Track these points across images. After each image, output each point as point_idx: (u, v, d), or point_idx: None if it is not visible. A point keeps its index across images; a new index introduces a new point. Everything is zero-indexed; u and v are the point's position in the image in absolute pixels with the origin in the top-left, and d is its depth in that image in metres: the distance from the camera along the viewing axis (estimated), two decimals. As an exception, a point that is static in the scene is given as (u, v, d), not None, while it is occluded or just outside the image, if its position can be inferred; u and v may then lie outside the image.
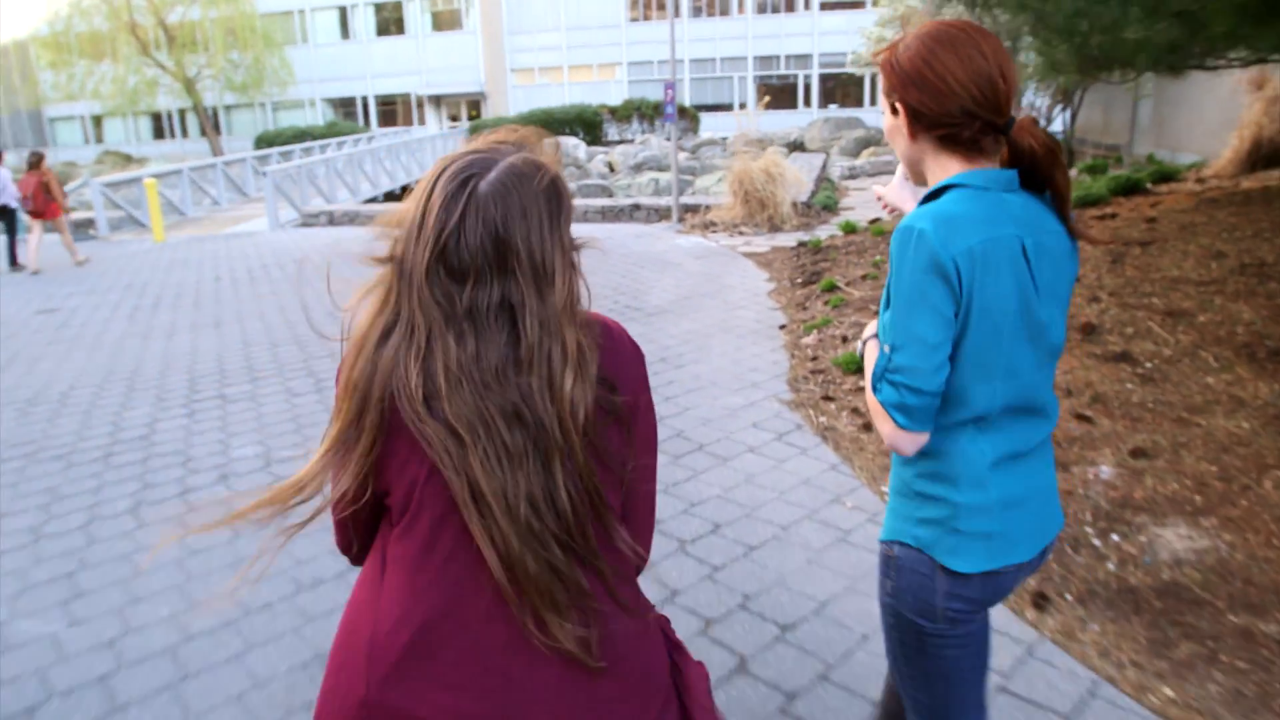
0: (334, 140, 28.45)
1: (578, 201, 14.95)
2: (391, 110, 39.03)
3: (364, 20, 38.34)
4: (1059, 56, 7.62)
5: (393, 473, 1.11)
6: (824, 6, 35.44)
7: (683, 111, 34.39)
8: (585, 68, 37.76)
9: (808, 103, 36.05)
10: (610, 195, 24.84)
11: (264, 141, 33.15)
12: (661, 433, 4.43)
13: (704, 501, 3.71)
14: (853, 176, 19.13)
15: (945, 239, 1.30)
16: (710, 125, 33.57)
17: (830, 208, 13.36)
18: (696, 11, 36.53)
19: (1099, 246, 6.58)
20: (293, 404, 5.22)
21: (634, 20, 37.07)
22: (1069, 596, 2.97)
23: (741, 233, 11.90)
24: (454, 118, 38.97)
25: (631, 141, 30.77)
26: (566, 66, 37.71)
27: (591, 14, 36.90)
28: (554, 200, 1.13)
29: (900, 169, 1.65)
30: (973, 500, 1.42)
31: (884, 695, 1.96)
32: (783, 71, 36.55)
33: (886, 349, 1.37)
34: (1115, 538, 3.27)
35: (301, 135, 32.49)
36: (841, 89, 36.25)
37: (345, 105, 39.31)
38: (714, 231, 12.09)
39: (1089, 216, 7.69)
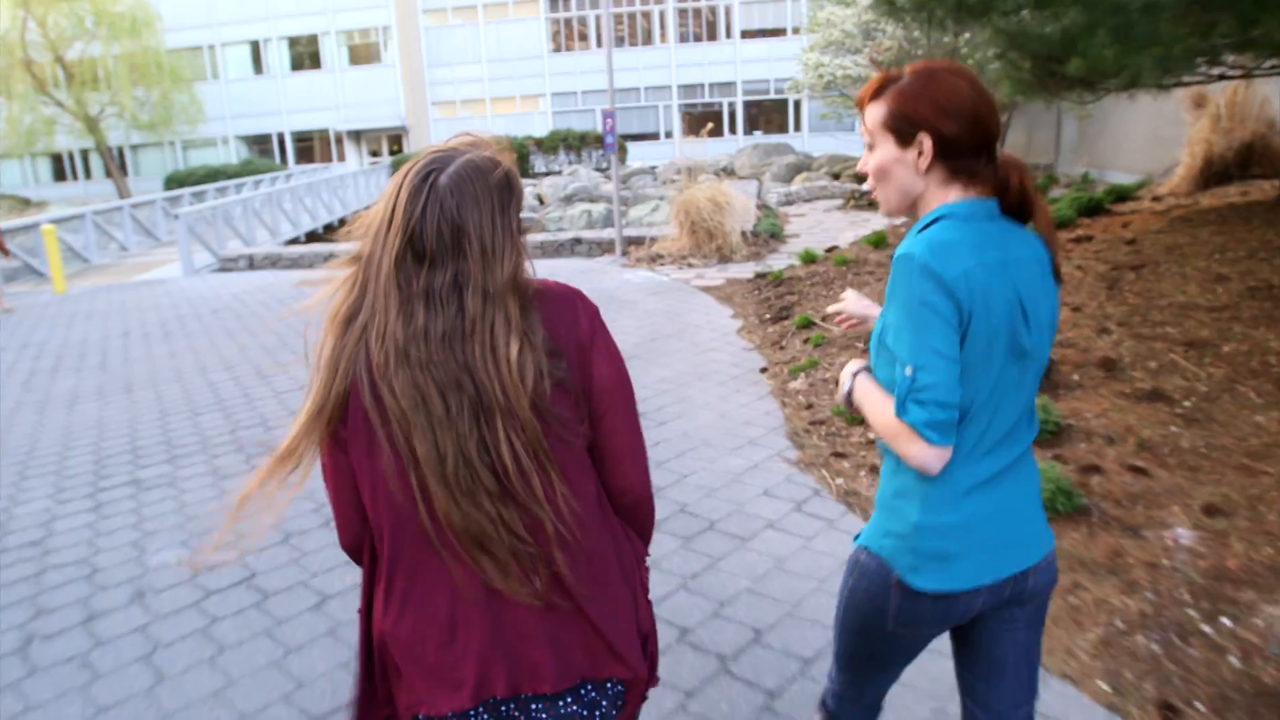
0: (250, 179, 27.28)
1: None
2: (309, 147, 37.83)
3: (277, 55, 37.14)
4: (1024, 78, 7.36)
5: (359, 450, 1.24)
6: (745, 34, 35.67)
7: (609, 141, 34.17)
8: (508, 99, 37.25)
9: (733, 130, 36.13)
10: (543, 229, 24.22)
11: (174, 182, 31.66)
12: (663, 508, 3.84)
13: (734, 600, 3.11)
14: (790, 203, 18.91)
15: (944, 263, 1.36)
16: (638, 154, 33.35)
17: (777, 235, 13.01)
18: (619, 41, 36.37)
19: (1088, 272, 6.25)
20: (220, 489, 4.46)
21: (555, 51, 36.75)
22: (1200, 705, 2.46)
23: (691, 264, 11.44)
24: (375, 153, 37.98)
25: (559, 173, 30.35)
26: (489, 99, 37.14)
27: (512, 45, 36.45)
28: (506, 190, 1.25)
29: (850, 291, 1.80)
30: (931, 522, 1.46)
31: None
32: (707, 99, 36.59)
33: (908, 371, 1.38)
34: (1227, 622, 2.79)
35: (215, 174, 31.16)
36: (764, 115, 36.49)
37: (260, 142, 37.95)
38: (661, 264, 11.61)
39: (1064, 240, 7.39)
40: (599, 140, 34.22)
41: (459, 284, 1.20)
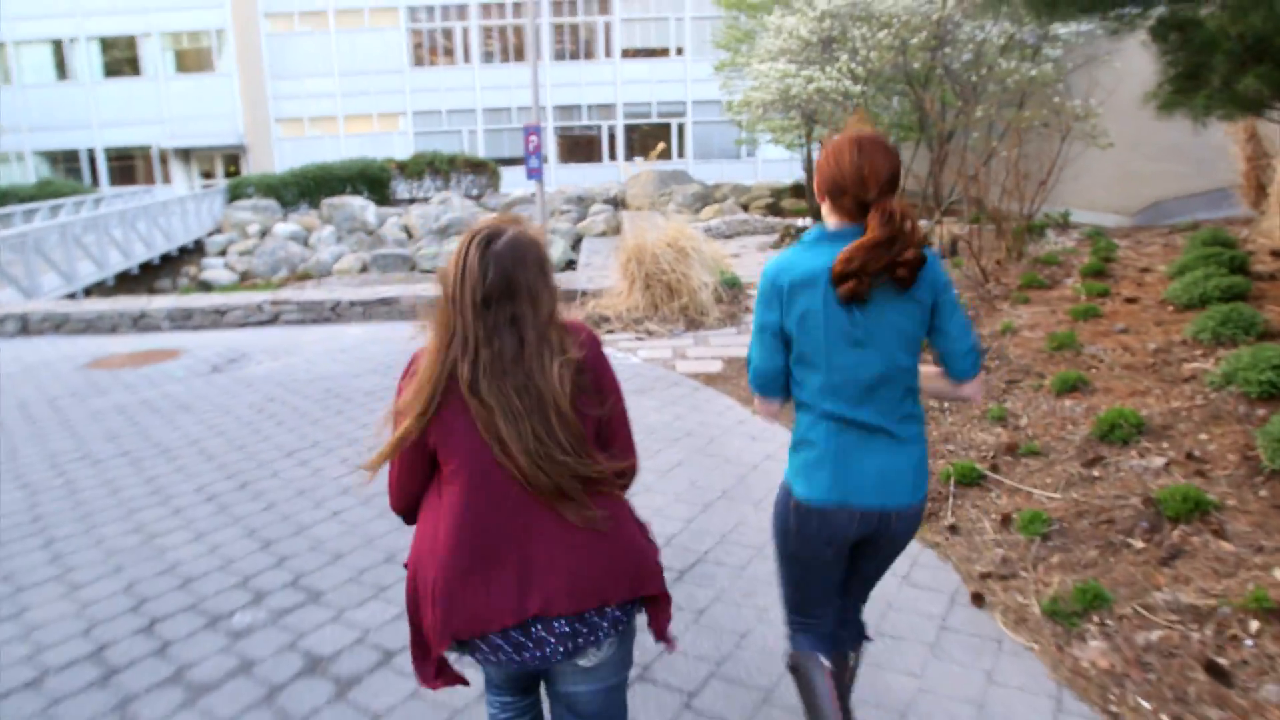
0: (46, 203, 22.48)
1: (396, 289, 10.96)
2: (129, 166, 32.74)
3: (86, 58, 31.91)
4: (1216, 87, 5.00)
5: (441, 432, 1.72)
6: (625, 54, 33.37)
7: (479, 166, 30.77)
8: (364, 118, 33.46)
9: (613, 155, 33.66)
10: (413, 267, 20.69)
11: (-52, 206, 26.20)
12: None
13: None
14: (711, 240, 16.28)
15: (777, 273, 2.03)
16: (512, 181, 30.24)
17: (737, 287, 10.36)
18: (488, 57, 33.34)
19: None
20: None
21: (418, 65, 33.29)
22: None
23: (650, 331, 8.63)
24: (208, 174, 33.29)
25: (427, 200, 26.90)
26: (342, 116, 33.25)
27: (369, 57, 32.72)
28: (541, 256, 1.75)
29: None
30: (800, 435, 2.09)
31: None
32: (585, 122, 34.05)
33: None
34: None
35: (1, 198, 25.91)
36: (643, 140, 34.15)
37: (68, 159, 32.54)
38: (611, 330, 8.75)
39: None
40: (469, 164, 30.78)
41: (516, 321, 1.69)
